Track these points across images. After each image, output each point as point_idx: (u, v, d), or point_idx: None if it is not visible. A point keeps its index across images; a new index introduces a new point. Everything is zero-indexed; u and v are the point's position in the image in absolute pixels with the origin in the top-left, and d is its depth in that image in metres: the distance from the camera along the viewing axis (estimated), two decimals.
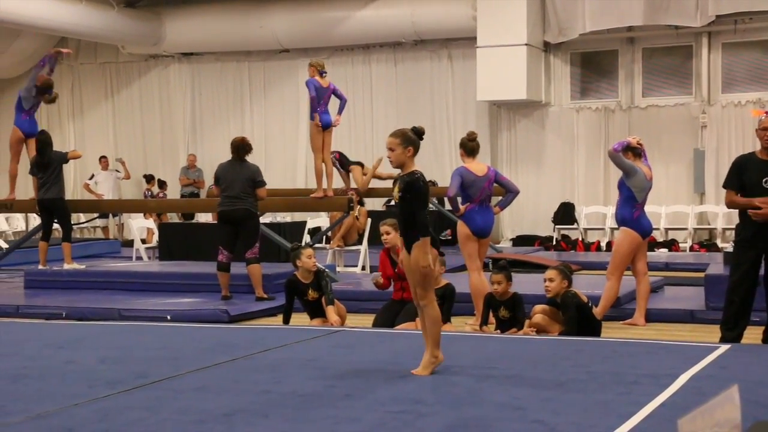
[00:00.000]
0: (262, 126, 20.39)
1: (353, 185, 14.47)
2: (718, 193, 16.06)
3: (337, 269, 12.35)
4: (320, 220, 14.66)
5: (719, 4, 16.37)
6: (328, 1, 19.01)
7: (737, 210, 7.13)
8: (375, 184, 14.87)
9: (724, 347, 6.49)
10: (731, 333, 7.02)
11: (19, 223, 19.32)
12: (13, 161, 12.76)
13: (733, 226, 9.39)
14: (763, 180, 6.91)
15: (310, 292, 8.17)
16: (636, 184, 8.44)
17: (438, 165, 18.31)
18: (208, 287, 10.33)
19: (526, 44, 17.08)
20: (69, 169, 19.20)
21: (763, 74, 17.08)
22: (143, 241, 15.27)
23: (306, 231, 14.01)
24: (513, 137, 18.52)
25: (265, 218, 13.96)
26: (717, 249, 15.72)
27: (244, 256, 9.93)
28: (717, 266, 9.68)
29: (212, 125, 20.77)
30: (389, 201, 17.08)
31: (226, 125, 20.35)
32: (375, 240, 10.64)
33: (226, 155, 10.21)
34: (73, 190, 20.39)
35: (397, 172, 5.73)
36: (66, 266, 11.97)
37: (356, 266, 12.86)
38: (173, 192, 20.03)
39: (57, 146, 12.68)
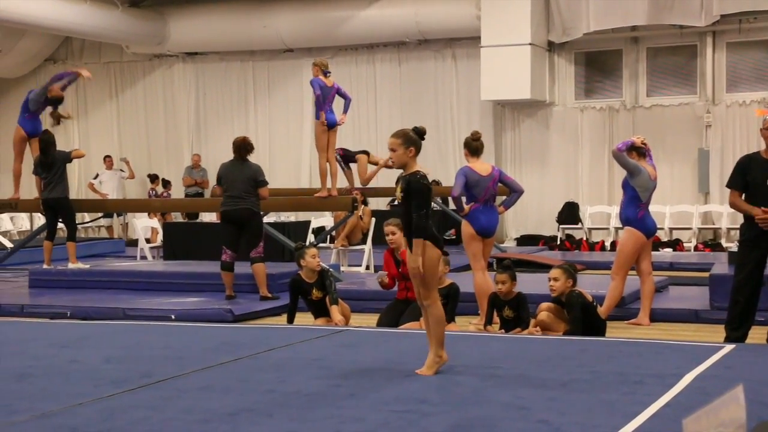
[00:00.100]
0: (266, 126, 20.37)
1: (357, 184, 14.43)
2: (722, 193, 16.02)
3: (341, 269, 12.34)
4: (324, 219, 14.65)
5: (724, 3, 16.32)
6: (332, 0, 19.00)
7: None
8: (379, 183, 14.85)
9: (729, 347, 6.49)
10: (736, 333, 7.02)
11: (24, 222, 19.34)
12: (17, 160, 12.78)
13: (738, 226, 9.38)
14: (767, 180, 6.90)
15: (314, 291, 8.17)
16: (640, 183, 8.43)
17: (442, 165, 18.31)
18: (212, 287, 10.35)
19: (530, 44, 17.06)
20: (73, 169, 19.19)
21: (767, 74, 17.05)
22: (147, 241, 15.28)
23: (310, 230, 14.01)
24: (517, 137, 18.49)
25: (269, 218, 13.96)
26: (722, 249, 15.68)
27: (249, 256, 9.95)
28: (722, 266, 9.68)
29: (216, 125, 20.75)
30: (393, 201, 17.07)
31: (230, 125, 20.32)
32: (379, 239, 10.62)
33: (230, 155, 10.21)
34: (77, 190, 20.38)
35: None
36: (70, 266, 11.99)
37: (360, 266, 12.86)
38: (177, 191, 20.03)
39: (61, 146, 12.69)
